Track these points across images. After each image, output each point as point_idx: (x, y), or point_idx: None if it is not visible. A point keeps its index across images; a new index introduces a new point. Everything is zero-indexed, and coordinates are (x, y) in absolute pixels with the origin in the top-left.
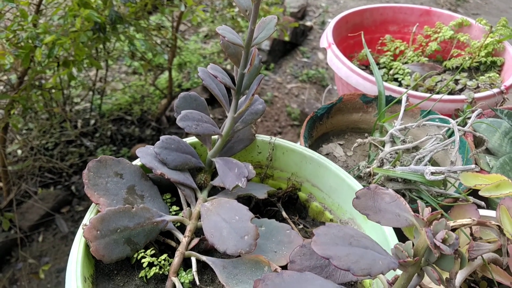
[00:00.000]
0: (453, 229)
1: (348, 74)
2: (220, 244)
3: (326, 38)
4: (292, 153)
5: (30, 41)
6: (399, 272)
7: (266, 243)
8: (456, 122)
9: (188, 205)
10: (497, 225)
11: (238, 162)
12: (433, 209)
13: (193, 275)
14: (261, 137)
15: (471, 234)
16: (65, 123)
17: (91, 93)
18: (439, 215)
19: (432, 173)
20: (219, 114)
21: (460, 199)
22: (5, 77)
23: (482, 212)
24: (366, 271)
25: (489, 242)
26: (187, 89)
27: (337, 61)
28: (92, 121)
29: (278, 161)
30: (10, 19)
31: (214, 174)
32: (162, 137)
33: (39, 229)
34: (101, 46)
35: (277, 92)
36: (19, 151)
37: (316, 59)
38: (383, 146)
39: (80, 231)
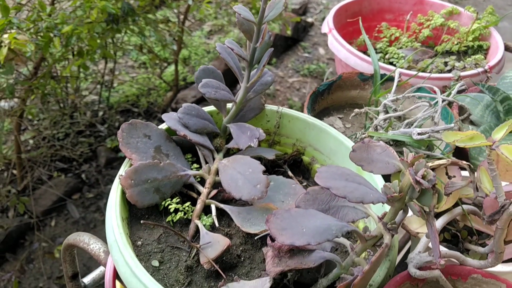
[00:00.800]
0: (432, 169)
1: (347, 56)
2: (236, 192)
3: (327, 24)
4: (297, 120)
5: (49, 31)
6: (387, 208)
7: (274, 195)
8: (444, 95)
9: (207, 163)
10: (468, 164)
11: (250, 126)
12: None
13: (213, 219)
14: (270, 107)
15: (446, 173)
16: (76, 113)
17: (99, 86)
18: (421, 158)
19: (419, 134)
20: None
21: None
22: (22, 69)
23: (465, 173)
24: (359, 199)
25: (467, 198)
26: (192, 83)
27: (337, 44)
28: (101, 113)
29: (285, 128)
30: (28, 10)
31: (228, 140)
32: (184, 105)
33: (52, 214)
34: (110, 39)
35: (279, 86)
36: (31, 141)
37: (317, 54)
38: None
39: (116, 180)
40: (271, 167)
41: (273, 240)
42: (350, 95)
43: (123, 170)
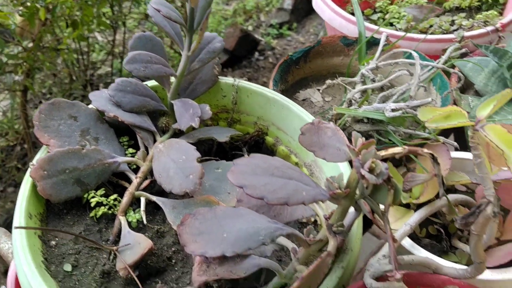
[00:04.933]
0: (385, 159)
1: (332, 17)
2: (166, 184)
3: None
4: (256, 95)
5: (34, 1)
6: None
7: (220, 185)
8: (438, 61)
9: (146, 148)
10: (430, 153)
11: (194, 102)
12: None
13: (141, 214)
14: (225, 79)
15: (405, 166)
16: (88, 88)
17: (111, 57)
18: (372, 145)
19: (393, 110)
20: (239, 76)
21: (431, 139)
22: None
23: (456, 153)
24: (282, 200)
25: (462, 185)
26: (248, 33)
27: (322, 4)
28: None
29: (244, 104)
30: None
31: None
32: (117, 80)
33: None
34: (110, 8)
35: None
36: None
37: None
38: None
39: (28, 171)
40: (230, 149)
41: None
42: (332, 63)
43: (36, 159)
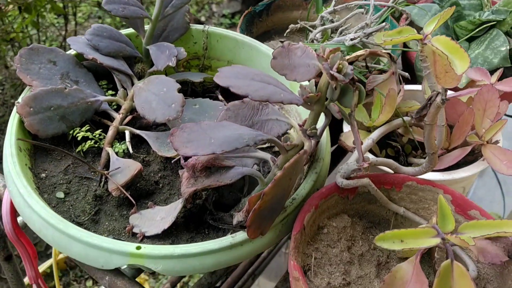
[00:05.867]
0: (350, 63)
1: None
2: (150, 114)
3: None
4: (226, 39)
5: None
6: None
7: (199, 118)
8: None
9: (126, 90)
10: (387, 53)
11: (169, 44)
12: (360, 82)
13: (126, 145)
14: (195, 26)
15: (367, 66)
16: None
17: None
18: (338, 51)
19: (351, 39)
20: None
21: (386, 69)
22: None
23: (407, 86)
24: (264, 97)
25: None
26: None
27: None
28: None
29: (214, 49)
30: None
31: (153, 65)
32: (93, 25)
33: None
34: None
35: None
36: None
37: None
38: None
39: (14, 108)
40: (203, 93)
41: (186, 159)
42: (293, 16)
43: (21, 97)
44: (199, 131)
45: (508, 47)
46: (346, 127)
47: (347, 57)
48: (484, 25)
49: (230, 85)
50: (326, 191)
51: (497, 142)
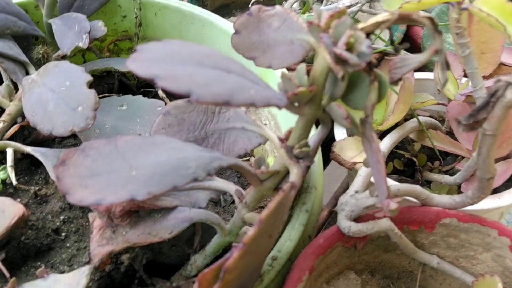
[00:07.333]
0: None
1: None
2: (44, 123)
3: None
4: (168, 11)
5: None
6: None
7: (127, 125)
8: None
9: (15, 84)
10: (429, 18)
11: (79, 15)
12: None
13: (7, 172)
14: None
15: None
16: None
17: None
18: (344, 14)
19: (348, 7)
20: None
21: (389, 51)
22: None
23: (419, 74)
24: (221, 97)
25: (423, 111)
26: None
27: None
28: None
29: (152, 26)
30: None
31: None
32: None
33: None
34: None
35: None
36: None
37: None
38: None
39: None
40: (138, 88)
41: None
42: None
43: None
44: (112, 155)
45: None
46: (339, 133)
47: (360, 25)
48: None
49: (157, 74)
50: (325, 242)
51: None
